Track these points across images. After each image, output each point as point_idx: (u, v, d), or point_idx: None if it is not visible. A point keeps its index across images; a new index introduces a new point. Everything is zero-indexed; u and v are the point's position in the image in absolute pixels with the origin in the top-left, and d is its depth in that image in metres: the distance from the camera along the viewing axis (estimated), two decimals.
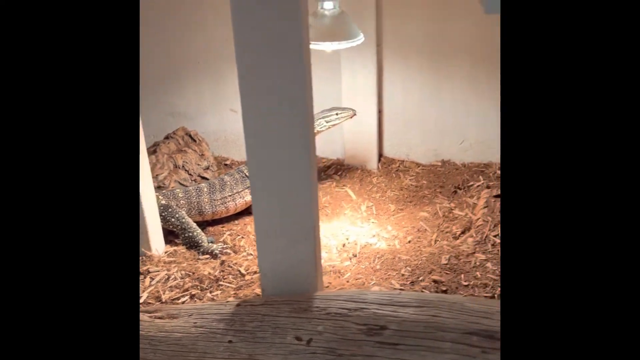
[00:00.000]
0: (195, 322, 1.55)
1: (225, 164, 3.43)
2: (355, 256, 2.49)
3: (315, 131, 2.89)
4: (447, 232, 2.59)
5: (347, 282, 2.31)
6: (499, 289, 2.07)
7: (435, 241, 2.54)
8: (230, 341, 1.48)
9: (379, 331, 1.36)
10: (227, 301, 1.71)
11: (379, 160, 3.31)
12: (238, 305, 1.59)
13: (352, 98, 3.07)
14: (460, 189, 2.95)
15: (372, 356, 1.32)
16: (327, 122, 2.87)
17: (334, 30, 2.17)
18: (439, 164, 3.22)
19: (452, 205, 2.82)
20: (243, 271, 2.27)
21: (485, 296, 2.03)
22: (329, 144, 3.38)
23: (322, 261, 2.50)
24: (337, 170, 3.30)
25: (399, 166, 3.27)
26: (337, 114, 2.87)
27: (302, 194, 1.54)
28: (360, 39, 2.27)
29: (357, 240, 2.61)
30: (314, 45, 2.21)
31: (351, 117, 2.90)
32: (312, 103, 1.54)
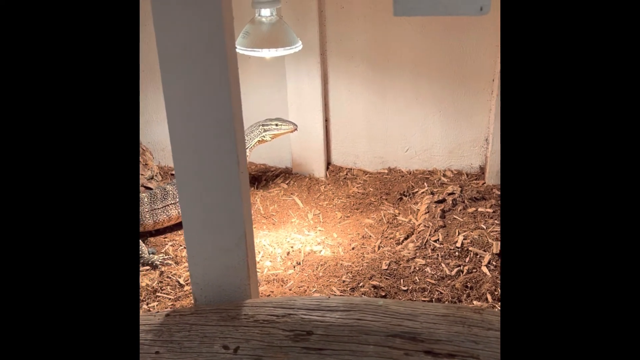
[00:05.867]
0: None
1: (172, 174, 3.37)
2: (299, 264, 2.48)
3: (257, 140, 2.90)
4: (390, 238, 2.61)
5: (290, 290, 2.30)
6: (436, 292, 2.10)
7: (379, 247, 2.55)
8: (157, 352, 1.44)
9: (306, 337, 1.35)
10: (157, 312, 1.67)
11: (327, 168, 3.32)
12: (167, 315, 1.55)
13: (298, 107, 3.08)
14: (405, 195, 2.98)
15: None
16: (265, 129, 2.88)
17: (272, 37, 2.17)
18: (386, 171, 3.25)
19: (397, 211, 2.85)
20: (182, 282, 2.23)
21: (424, 300, 2.05)
22: (277, 153, 3.37)
23: (266, 270, 2.48)
24: (285, 178, 3.29)
25: (346, 174, 3.29)
26: (276, 125, 2.89)
27: (231, 200, 1.52)
28: (299, 46, 2.28)
29: (302, 248, 2.61)
30: (252, 52, 2.21)
31: (292, 132, 2.92)
32: (241, 109, 1.53)
